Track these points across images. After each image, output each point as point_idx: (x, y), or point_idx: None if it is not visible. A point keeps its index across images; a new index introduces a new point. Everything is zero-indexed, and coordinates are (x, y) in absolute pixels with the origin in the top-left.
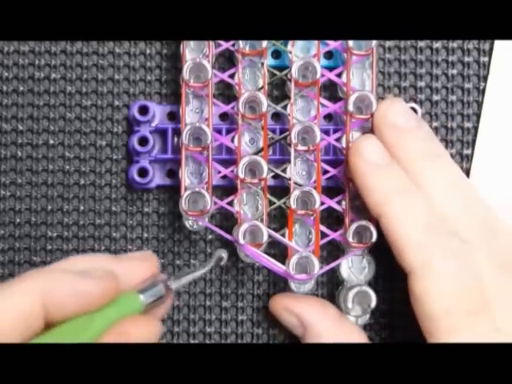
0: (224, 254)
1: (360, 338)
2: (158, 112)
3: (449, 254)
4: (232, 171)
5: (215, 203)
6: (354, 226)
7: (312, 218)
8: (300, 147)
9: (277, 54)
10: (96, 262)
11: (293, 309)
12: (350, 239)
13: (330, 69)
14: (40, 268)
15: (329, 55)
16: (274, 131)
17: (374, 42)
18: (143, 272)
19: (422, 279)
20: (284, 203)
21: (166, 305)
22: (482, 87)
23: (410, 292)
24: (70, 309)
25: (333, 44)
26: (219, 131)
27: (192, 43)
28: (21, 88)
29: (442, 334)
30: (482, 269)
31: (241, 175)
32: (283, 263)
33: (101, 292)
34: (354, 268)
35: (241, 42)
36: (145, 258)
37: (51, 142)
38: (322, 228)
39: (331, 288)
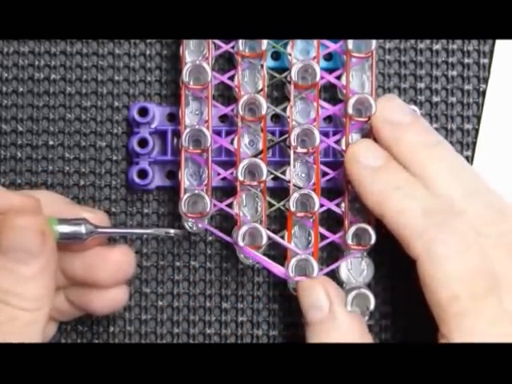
0: (175, 232)
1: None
2: (158, 113)
3: (452, 237)
4: (231, 173)
5: (215, 205)
6: (353, 228)
7: (311, 220)
8: (299, 149)
9: (276, 55)
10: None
11: (328, 291)
12: (350, 241)
13: (330, 70)
14: None
15: (328, 56)
16: (273, 133)
17: (374, 45)
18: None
19: (428, 266)
20: (283, 205)
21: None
22: (482, 89)
23: (420, 281)
24: None
25: (332, 46)
26: (219, 133)
27: (192, 45)
28: (20, 89)
29: (452, 319)
30: (490, 251)
31: (240, 177)
32: (282, 265)
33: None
34: (353, 270)
35: (240, 44)
36: (95, 213)
37: (51, 142)
38: (322, 230)
39: None
